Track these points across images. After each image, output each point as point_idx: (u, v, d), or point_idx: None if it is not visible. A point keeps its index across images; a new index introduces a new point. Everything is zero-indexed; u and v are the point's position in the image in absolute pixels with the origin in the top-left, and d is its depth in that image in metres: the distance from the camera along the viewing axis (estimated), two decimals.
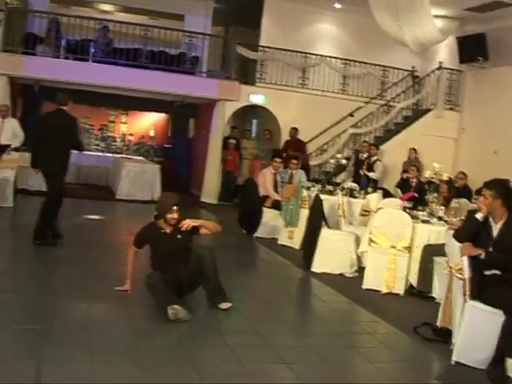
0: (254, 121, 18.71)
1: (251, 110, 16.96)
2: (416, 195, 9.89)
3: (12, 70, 13.68)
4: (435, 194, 9.27)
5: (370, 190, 11.14)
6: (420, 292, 7.52)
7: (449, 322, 5.76)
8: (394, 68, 16.76)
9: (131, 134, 19.23)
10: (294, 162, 11.81)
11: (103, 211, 12.58)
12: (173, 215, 6.12)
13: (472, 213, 5.71)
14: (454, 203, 8.71)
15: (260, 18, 16.81)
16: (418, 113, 16.59)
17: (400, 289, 7.60)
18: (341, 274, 8.38)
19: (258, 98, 15.69)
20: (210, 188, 15.30)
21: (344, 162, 13.71)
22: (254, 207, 10.91)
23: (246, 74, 16.31)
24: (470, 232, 5.50)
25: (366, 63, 16.48)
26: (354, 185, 11.21)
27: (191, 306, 5.92)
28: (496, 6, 13.68)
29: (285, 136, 15.61)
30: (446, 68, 16.23)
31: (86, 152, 12.74)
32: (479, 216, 5.47)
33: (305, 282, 8.42)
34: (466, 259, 5.21)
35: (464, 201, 9.97)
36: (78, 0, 17.20)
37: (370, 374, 4.99)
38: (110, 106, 18.05)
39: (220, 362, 4.79)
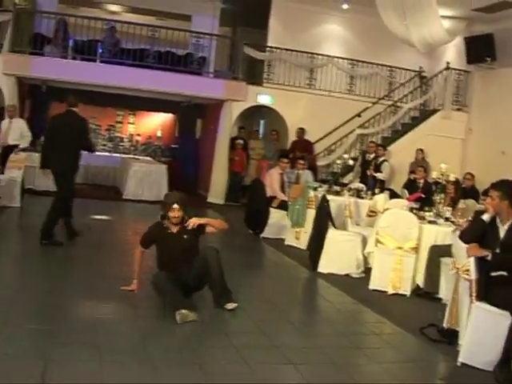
0: (262, 121, 18.71)
1: (258, 111, 16.96)
2: (423, 196, 9.88)
3: (20, 70, 13.74)
4: (442, 195, 9.25)
5: (377, 190, 11.11)
6: (427, 293, 7.49)
7: (455, 323, 5.75)
8: (401, 68, 16.73)
9: (138, 135, 19.27)
10: (301, 162, 11.81)
11: (110, 211, 12.61)
12: (174, 213, 6.11)
13: (479, 214, 5.70)
14: (461, 204, 8.69)
15: (267, 19, 16.82)
16: (425, 113, 16.54)
17: (406, 289, 7.58)
18: (347, 275, 8.38)
19: (265, 99, 15.69)
20: (217, 188, 15.30)
21: (351, 162, 13.73)
22: (260, 207, 10.91)
23: (254, 74, 16.29)
24: (476, 233, 5.49)
25: (373, 64, 16.46)
26: (361, 185, 11.22)
27: (198, 306, 5.92)
28: (504, 6, 13.63)
29: (292, 136, 15.62)
30: (454, 68, 16.17)
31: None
32: (485, 217, 5.46)
33: (311, 282, 8.42)
34: (472, 260, 5.19)
35: (471, 201, 9.95)
36: (86, 1, 17.26)
37: (375, 375, 4.98)
38: (118, 106, 18.09)
39: (226, 363, 4.79)
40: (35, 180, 12.92)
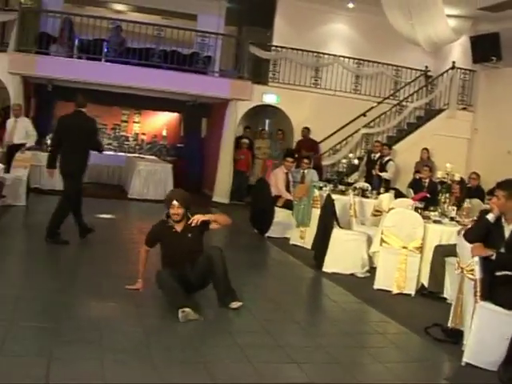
0: (267, 121, 18.70)
1: (264, 110, 16.97)
2: (428, 195, 9.85)
3: (25, 69, 13.76)
4: (447, 195, 9.23)
5: (382, 190, 11.09)
6: (431, 292, 7.48)
7: (460, 322, 5.75)
8: (406, 68, 16.72)
9: (144, 134, 19.30)
10: (306, 161, 11.82)
11: (115, 210, 12.64)
12: (173, 210, 6.11)
13: (484, 213, 5.68)
14: (467, 203, 8.67)
15: (273, 18, 16.84)
16: (430, 113, 16.51)
17: (411, 289, 7.58)
18: (352, 274, 8.37)
19: (270, 98, 15.69)
20: (222, 187, 15.30)
21: (356, 161, 13.71)
22: (265, 207, 10.90)
23: (259, 73, 16.30)
24: (480, 232, 5.48)
25: (378, 63, 16.46)
26: (366, 185, 11.20)
27: (202, 305, 5.93)
28: (510, 5, 13.56)
29: (297, 136, 15.64)
30: (460, 68, 16.14)
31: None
32: (490, 217, 5.45)
33: (316, 281, 8.42)
34: (477, 260, 5.19)
35: (476, 201, 9.93)
36: (92, 0, 17.28)
37: (379, 374, 4.98)
38: (123, 105, 18.09)
39: (230, 362, 4.79)
40: (41, 179, 12.95)
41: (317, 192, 9.95)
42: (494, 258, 5.21)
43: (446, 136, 15.60)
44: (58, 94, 14.99)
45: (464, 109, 16.28)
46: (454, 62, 16.06)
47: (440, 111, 16.26)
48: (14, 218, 10.45)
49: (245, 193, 15.36)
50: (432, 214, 8.32)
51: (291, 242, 10.34)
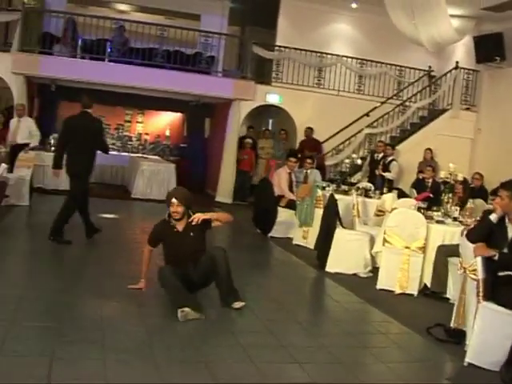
0: (270, 120, 18.70)
1: (267, 110, 16.97)
2: (431, 195, 9.85)
3: (29, 69, 13.79)
4: (450, 195, 9.23)
5: (385, 190, 11.08)
6: (434, 293, 7.47)
7: (463, 323, 5.74)
8: (410, 68, 16.71)
9: (147, 134, 19.31)
10: (309, 161, 11.81)
11: (118, 210, 12.66)
12: (173, 208, 6.09)
13: (487, 213, 5.68)
14: (470, 204, 8.66)
15: (276, 18, 16.84)
16: (434, 113, 16.49)
17: (414, 289, 7.57)
18: (355, 274, 8.37)
19: (273, 98, 15.69)
20: (225, 187, 15.31)
21: (359, 161, 13.69)
22: (268, 207, 10.90)
23: (262, 73, 16.32)
24: (482, 232, 5.47)
25: (381, 63, 16.46)
26: (369, 185, 11.19)
27: (204, 305, 5.92)
28: None
29: (300, 136, 15.63)
30: (463, 68, 16.12)
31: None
32: (493, 217, 5.45)
33: (319, 281, 8.42)
34: (479, 260, 5.18)
35: (479, 201, 9.92)
36: (95, 0, 17.30)
37: (382, 374, 4.97)
38: (126, 105, 18.10)
39: (232, 362, 4.79)
40: (44, 179, 12.97)
41: (320, 192, 9.95)
42: (496, 258, 5.21)
43: (450, 136, 15.58)
44: (62, 94, 15.02)
45: (467, 109, 16.26)
46: (457, 62, 16.04)
47: (443, 111, 16.23)
48: (17, 217, 10.46)
49: (248, 193, 15.35)
50: (435, 214, 8.31)
51: (294, 242, 10.35)
